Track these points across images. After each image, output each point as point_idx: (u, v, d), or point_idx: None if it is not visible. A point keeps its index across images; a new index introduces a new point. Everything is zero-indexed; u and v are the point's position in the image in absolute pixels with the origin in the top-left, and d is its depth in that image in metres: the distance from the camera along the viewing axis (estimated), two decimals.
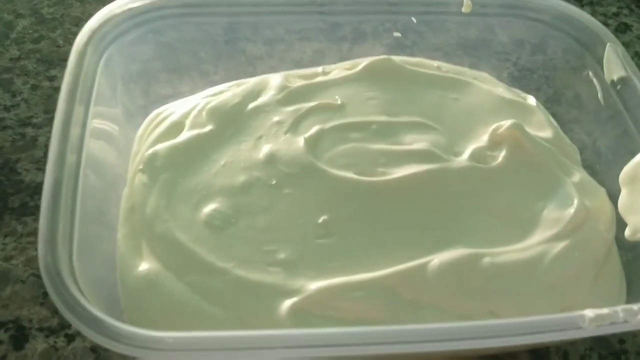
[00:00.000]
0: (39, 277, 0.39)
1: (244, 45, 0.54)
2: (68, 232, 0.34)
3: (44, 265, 0.32)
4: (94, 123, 0.41)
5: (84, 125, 0.39)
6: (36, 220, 0.39)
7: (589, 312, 0.33)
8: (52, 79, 0.56)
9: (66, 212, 0.35)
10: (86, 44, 0.42)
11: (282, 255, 0.40)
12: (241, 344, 0.30)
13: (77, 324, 0.30)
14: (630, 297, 0.41)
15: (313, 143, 0.44)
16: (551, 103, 0.53)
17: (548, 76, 0.53)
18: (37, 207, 0.42)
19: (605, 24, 0.44)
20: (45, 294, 0.42)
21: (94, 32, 0.43)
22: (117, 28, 0.46)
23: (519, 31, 0.55)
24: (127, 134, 0.47)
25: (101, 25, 0.45)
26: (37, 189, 0.49)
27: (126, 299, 0.39)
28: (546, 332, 0.32)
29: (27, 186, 0.49)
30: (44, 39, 0.60)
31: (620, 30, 0.67)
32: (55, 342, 0.41)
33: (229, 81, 0.51)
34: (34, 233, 0.41)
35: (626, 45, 0.63)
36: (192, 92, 0.51)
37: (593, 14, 0.66)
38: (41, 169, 0.50)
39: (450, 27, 0.56)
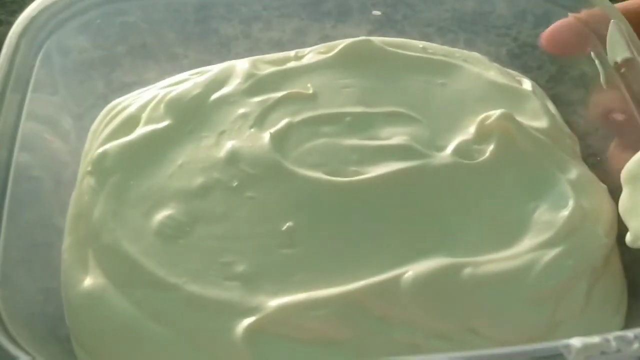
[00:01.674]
0: None
1: (217, 25, 0.50)
2: None
3: None
4: (35, 119, 0.38)
5: (17, 121, 0.36)
6: None
7: (576, 342, 0.29)
8: None
9: None
10: (20, 36, 0.38)
11: (240, 268, 0.36)
12: None
13: None
14: (632, 311, 0.37)
15: (280, 139, 0.40)
16: (554, 83, 0.48)
17: (547, 61, 0.49)
18: None
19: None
20: None
21: (45, 8, 0.39)
22: (73, 6, 0.42)
23: (520, 3, 0.50)
24: (81, 131, 0.43)
25: (54, 2, 0.41)
26: None
27: (70, 317, 0.36)
28: None
29: None
30: (3, 23, 0.54)
31: None
32: None
33: (200, 66, 0.47)
34: None
35: None
36: (159, 79, 0.46)
37: None
38: None
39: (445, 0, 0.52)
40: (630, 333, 0.29)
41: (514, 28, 0.51)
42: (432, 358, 0.29)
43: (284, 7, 0.51)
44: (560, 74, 0.49)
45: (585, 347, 0.28)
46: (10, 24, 0.38)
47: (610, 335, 0.29)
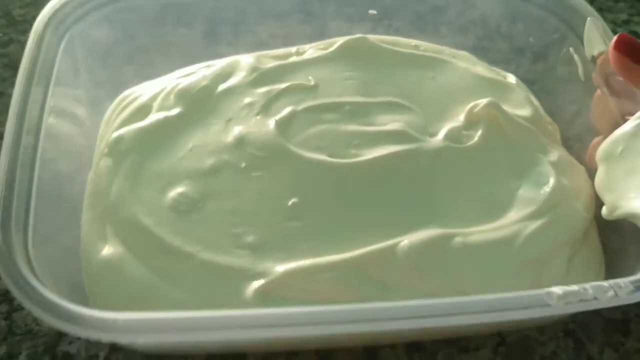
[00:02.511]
0: None
1: (225, 24, 0.53)
2: (23, 215, 0.34)
3: None
4: (56, 106, 0.40)
5: (42, 108, 0.39)
6: None
7: (557, 289, 0.32)
8: None
9: (21, 196, 0.34)
10: (46, 25, 0.41)
11: (249, 238, 0.39)
12: (194, 325, 0.30)
13: (25, 303, 0.29)
14: (609, 278, 0.40)
15: (284, 125, 0.43)
16: (532, 80, 0.52)
17: (528, 52, 0.52)
18: None
19: (615, 33, 0.42)
20: None
21: (56, 12, 0.42)
22: (82, 7, 0.45)
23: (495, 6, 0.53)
24: (95, 118, 0.46)
25: (65, 4, 0.43)
26: None
27: (90, 284, 0.38)
28: (511, 310, 0.31)
29: None
30: (13, 42, 0.57)
31: None
32: None
33: (208, 60, 0.50)
34: None
35: None
36: (168, 71, 0.49)
37: None
38: None
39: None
40: (605, 283, 0.32)
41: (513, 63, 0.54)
42: (410, 304, 0.31)
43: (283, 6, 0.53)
44: (538, 72, 0.52)
45: (565, 294, 0.32)
46: (20, 43, 0.40)
47: (588, 285, 0.32)
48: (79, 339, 0.38)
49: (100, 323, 0.29)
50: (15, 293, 0.30)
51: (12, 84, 0.38)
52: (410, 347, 0.40)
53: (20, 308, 0.40)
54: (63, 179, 0.41)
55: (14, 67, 0.50)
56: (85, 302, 0.37)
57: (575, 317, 0.42)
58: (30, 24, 0.41)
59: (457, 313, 0.31)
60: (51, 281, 0.33)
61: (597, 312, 0.43)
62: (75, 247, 0.40)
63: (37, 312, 0.29)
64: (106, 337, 0.29)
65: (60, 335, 0.39)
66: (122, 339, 0.30)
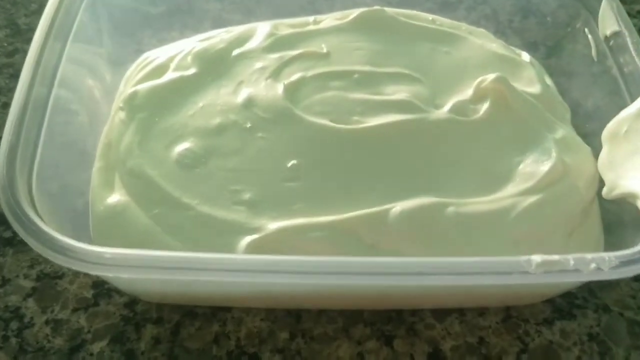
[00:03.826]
0: None
1: None
2: (29, 156, 0.35)
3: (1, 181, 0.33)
4: (75, 59, 0.42)
5: (57, 63, 0.40)
6: None
7: (537, 257, 0.32)
8: None
9: (27, 144, 0.36)
10: None
11: (247, 196, 0.40)
12: (176, 264, 0.31)
13: (19, 231, 0.31)
14: None
15: (292, 90, 0.44)
16: (547, 65, 0.52)
17: (545, 39, 0.52)
18: (1, 239, 0.44)
19: (630, 14, 0.41)
20: None
21: None
22: None
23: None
24: (117, 77, 0.48)
25: None
26: (2, 217, 0.41)
27: (95, 228, 0.40)
28: (489, 274, 0.31)
29: None
30: (19, 52, 0.56)
31: None
32: None
33: (228, 26, 0.51)
34: None
35: None
36: (190, 35, 0.51)
37: None
38: None
39: None
40: (589, 255, 0.32)
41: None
42: (404, 261, 0.32)
43: None
44: (553, 52, 0.52)
45: (545, 263, 0.32)
46: (25, 52, 0.39)
47: (570, 256, 0.32)
48: (91, 354, 0.39)
49: (87, 255, 0.30)
50: (13, 223, 0.32)
51: None
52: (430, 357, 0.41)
53: (31, 325, 0.40)
54: (78, 128, 0.43)
55: (19, 76, 0.44)
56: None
57: (599, 321, 0.42)
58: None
59: (432, 272, 0.31)
60: (51, 217, 0.34)
61: (621, 314, 0.42)
62: (84, 191, 0.41)
63: (30, 241, 0.31)
64: (94, 270, 0.31)
65: (71, 352, 0.39)
66: (108, 272, 0.32)
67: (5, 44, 0.56)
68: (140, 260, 0.31)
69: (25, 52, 0.53)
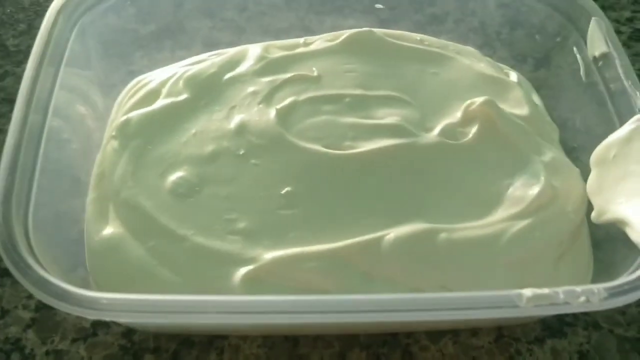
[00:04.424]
0: None
1: (234, 13, 0.55)
2: (25, 194, 0.36)
3: None
4: (67, 87, 0.42)
5: (51, 90, 0.41)
6: None
7: (527, 291, 0.32)
8: None
9: (24, 174, 0.36)
10: (58, 12, 0.43)
11: (242, 225, 0.40)
12: (174, 308, 0.31)
13: (20, 279, 0.32)
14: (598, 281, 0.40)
15: (284, 114, 0.45)
16: (535, 79, 0.52)
17: (533, 52, 0.52)
18: None
19: (618, 32, 0.41)
20: None
21: (67, 1, 0.44)
22: None
23: (504, 4, 0.54)
24: (108, 101, 0.48)
25: None
26: None
27: (91, 261, 0.40)
28: (480, 309, 0.32)
29: None
30: (9, 75, 0.55)
31: (635, 38, 0.62)
32: None
33: (217, 49, 0.51)
34: None
35: None
36: (179, 59, 0.51)
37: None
38: None
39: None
40: (578, 288, 0.33)
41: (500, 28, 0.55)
42: (398, 298, 0.33)
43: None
44: (541, 71, 0.52)
45: (535, 297, 0.32)
46: (15, 75, 0.38)
47: (560, 289, 0.33)
48: None
49: (85, 302, 0.31)
50: (11, 269, 0.32)
51: (10, 120, 0.37)
52: None
53: (32, 356, 0.41)
54: (71, 158, 0.43)
55: (11, 101, 0.46)
56: (86, 279, 0.40)
57: (589, 338, 0.43)
58: (26, 54, 0.40)
59: (426, 309, 0.32)
60: (46, 247, 0.35)
61: (611, 332, 0.43)
62: (78, 219, 0.42)
63: (30, 288, 0.31)
64: (91, 315, 0.31)
65: None
66: (105, 317, 0.32)
67: None
68: (137, 305, 0.31)
69: (14, 75, 0.53)
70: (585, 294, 0.33)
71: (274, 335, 0.42)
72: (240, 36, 0.54)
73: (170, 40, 0.53)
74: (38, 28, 0.53)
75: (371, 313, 0.32)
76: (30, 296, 0.43)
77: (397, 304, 0.32)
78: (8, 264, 0.32)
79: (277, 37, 0.52)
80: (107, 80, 0.49)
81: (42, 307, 0.43)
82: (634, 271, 0.36)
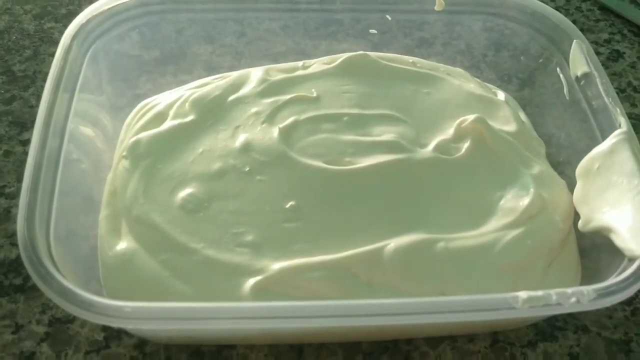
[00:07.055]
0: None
1: (235, 39, 0.57)
2: (46, 211, 0.38)
3: (22, 239, 0.35)
4: (81, 112, 0.44)
5: (67, 115, 0.43)
6: (11, 301, 0.42)
7: (522, 294, 0.35)
8: (25, 143, 0.52)
9: (45, 193, 0.38)
10: (73, 38, 0.45)
11: (249, 238, 0.42)
12: (194, 315, 0.33)
13: (46, 291, 0.33)
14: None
15: (287, 133, 0.47)
16: (520, 98, 0.55)
17: (518, 72, 0.55)
18: (13, 286, 0.46)
19: (597, 53, 0.44)
20: None
21: (81, 27, 0.46)
22: (104, 23, 0.49)
23: (488, 28, 0.57)
24: (116, 124, 0.50)
25: (88, 21, 0.48)
26: (12, 265, 0.47)
27: (105, 276, 0.42)
28: (478, 311, 0.34)
29: (1, 263, 0.47)
30: (16, 99, 0.56)
31: (613, 58, 0.66)
32: None
33: (220, 73, 0.54)
34: (10, 316, 0.44)
35: (618, 75, 0.64)
36: (183, 82, 0.54)
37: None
38: (15, 244, 0.47)
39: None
40: (569, 290, 0.35)
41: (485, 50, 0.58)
42: (400, 302, 0.35)
43: (287, 28, 0.57)
44: (528, 90, 0.55)
45: (530, 299, 0.35)
46: (23, 99, 0.39)
47: (552, 291, 0.35)
48: None
49: (110, 310, 0.33)
50: (37, 282, 0.34)
51: (20, 142, 0.37)
52: None
53: None
54: (84, 177, 0.45)
55: (19, 124, 0.49)
56: (99, 293, 0.41)
57: (579, 341, 0.45)
58: (32, 79, 0.42)
59: (426, 312, 0.34)
60: (63, 263, 0.36)
61: (599, 334, 0.45)
62: (89, 235, 0.43)
63: (56, 299, 0.33)
64: (115, 323, 0.33)
65: None
66: (128, 325, 0.34)
67: (2, 91, 0.57)
68: (159, 313, 0.33)
69: (22, 99, 0.55)
70: (575, 295, 0.35)
71: (280, 344, 0.44)
72: (240, 60, 0.57)
73: (173, 66, 0.55)
74: (43, 54, 0.56)
75: (374, 317, 0.34)
76: (43, 311, 0.45)
77: (399, 308, 0.34)
78: (34, 277, 0.34)
79: (275, 61, 0.55)
80: (115, 104, 0.51)
81: (55, 321, 0.44)
82: (617, 276, 0.38)
